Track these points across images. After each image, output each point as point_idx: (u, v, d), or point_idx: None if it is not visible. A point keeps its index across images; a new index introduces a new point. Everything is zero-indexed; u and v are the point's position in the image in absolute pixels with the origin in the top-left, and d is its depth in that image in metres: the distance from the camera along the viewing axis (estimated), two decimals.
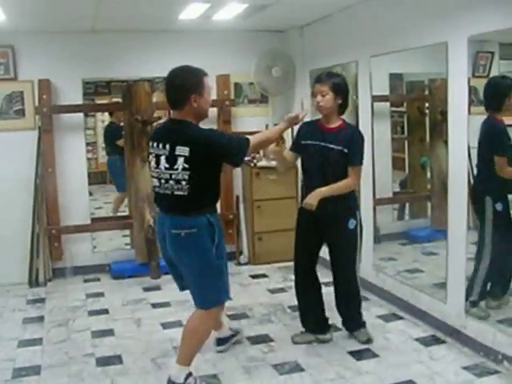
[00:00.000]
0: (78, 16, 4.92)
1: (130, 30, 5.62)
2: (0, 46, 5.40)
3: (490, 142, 3.78)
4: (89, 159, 10.51)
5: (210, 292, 3.33)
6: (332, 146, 3.67)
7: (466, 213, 3.83)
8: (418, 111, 5.71)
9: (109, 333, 4.36)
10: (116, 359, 3.88)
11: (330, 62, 5.42)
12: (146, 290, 5.36)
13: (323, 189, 3.62)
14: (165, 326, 4.45)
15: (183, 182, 3.17)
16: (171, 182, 3.20)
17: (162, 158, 3.20)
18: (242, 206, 6.12)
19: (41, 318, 4.69)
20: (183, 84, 3.18)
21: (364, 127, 4.94)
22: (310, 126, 3.86)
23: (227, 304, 4.66)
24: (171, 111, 3.36)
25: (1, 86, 5.44)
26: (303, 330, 4.08)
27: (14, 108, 5.48)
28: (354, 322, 4.06)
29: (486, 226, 3.84)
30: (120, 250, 6.11)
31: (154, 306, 4.92)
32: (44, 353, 4.02)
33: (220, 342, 3.97)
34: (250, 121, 6.08)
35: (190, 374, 3.36)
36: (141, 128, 5.37)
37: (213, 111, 5.87)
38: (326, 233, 3.88)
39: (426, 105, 5.49)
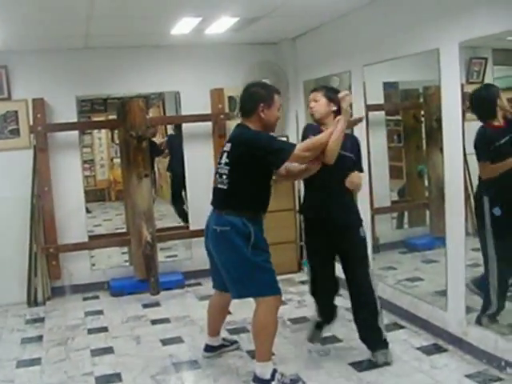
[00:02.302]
0: (70, 34, 4.93)
1: (123, 47, 5.63)
2: None
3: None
4: (87, 177, 10.63)
5: (248, 283, 3.46)
6: (347, 153, 3.72)
7: (464, 219, 3.81)
8: (414, 119, 5.71)
9: (108, 351, 4.31)
10: (115, 377, 3.84)
11: (324, 73, 5.43)
12: (146, 306, 5.32)
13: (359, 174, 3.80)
14: (164, 342, 4.41)
15: (224, 176, 3.47)
16: (217, 175, 3.54)
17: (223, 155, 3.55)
18: None
19: (40, 338, 4.65)
20: (254, 93, 3.53)
21: (358, 136, 4.92)
22: (316, 131, 3.74)
23: (228, 318, 4.68)
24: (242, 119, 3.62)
25: None
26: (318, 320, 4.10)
27: (9, 128, 5.47)
28: (373, 339, 3.85)
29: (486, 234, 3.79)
30: (119, 267, 6.07)
31: (154, 322, 4.89)
32: (43, 373, 3.98)
33: (208, 348, 4.04)
34: None
35: (275, 371, 3.53)
36: (136, 144, 5.36)
37: (207, 125, 5.89)
38: (337, 243, 3.83)
39: (422, 112, 5.48)
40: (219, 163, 3.55)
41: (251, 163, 3.41)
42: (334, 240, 3.81)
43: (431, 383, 3.49)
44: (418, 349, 3.98)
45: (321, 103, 3.73)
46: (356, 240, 3.82)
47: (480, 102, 3.81)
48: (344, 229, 3.79)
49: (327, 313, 4.07)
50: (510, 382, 3.41)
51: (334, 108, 3.70)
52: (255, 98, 3.50)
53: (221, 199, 3.53)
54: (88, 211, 9.66)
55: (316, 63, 5.65)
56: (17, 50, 5.35)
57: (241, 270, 3.46)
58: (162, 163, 9.45)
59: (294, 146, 3.46)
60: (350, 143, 3.79)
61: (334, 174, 3.67)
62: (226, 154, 3.49)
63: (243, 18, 4.79)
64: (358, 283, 3.83)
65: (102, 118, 8.55)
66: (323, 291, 3.99)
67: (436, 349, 3.98)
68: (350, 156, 3.76)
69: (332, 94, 3.72)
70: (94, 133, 10.49)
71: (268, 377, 3.48)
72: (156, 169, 9.81)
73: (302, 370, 3.77)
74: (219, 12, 4.55)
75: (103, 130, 10.13)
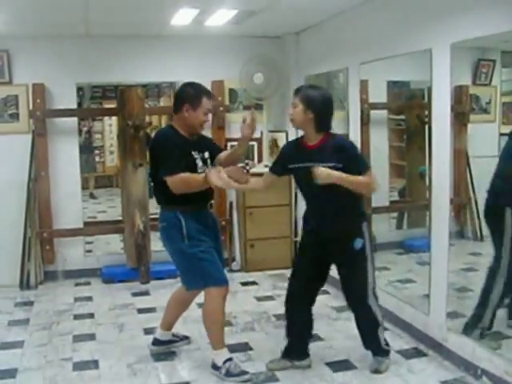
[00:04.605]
0: (70, 21, 4.94)
1: (124, 35, 5.62)
2: None
3: None
4: (96, 163, 10.70)
5: (191, 275, 3.63)
6: (322, 164, 3.30)
7: (448, 223, 3.75)
8: (417, 119, 5.63)
9: (90, 337, 4.34)
10: (93, 364, 3.87)
11: (323, 69, 5.40)
12: (135, 294, 5.34)
13: (341, 174, 3.27)
14: (147, 331, 4.40)
15: (151, 174, 3.71)
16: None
17: None
18: (234, 213, 6.08)
19: (26, 321, 4.69)
20: (183, 92, 3.62)
21: (354, 134, 4.92)
22: (295, 146, 3.59)
23: None
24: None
25: None
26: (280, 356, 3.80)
27: (9, 111, 5.52)
28: (372, 346, 3.73)
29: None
30: (112, 254, 6.08)
31: (140, 311, 4.91)
32: (23, 356, 4.01)
33: (156, 342, 4.04)
34: None
35: (228, 359, 3.64)
36: (133, 133, 5.37)
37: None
38: (331, 255, 3.60)
39: (426, 113, 5.40)
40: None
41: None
42: (326, 254, 3.58)
43: None
44: (397, 352, 3.92)
45: (298, 110, 3.38)
46: (349, 253, 3.50)
47: None
48: (334, 240, 3.49)
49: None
50: None
51: (311, 116, 3.36)
52: (182, 96, 3.58)
53: (155, 195, 3.72)
54: (94, 197, 9.83)
55: (317, 59, 5.61)
56: (19, 35, 5.36)
57: (182, 263, 3.65)
58: None
59: (174, 172, 3.39)
60: (332, 151, 3.37)
61: (318, 189, 3.33)
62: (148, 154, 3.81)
63: (241, 11, 4.75)
64: (354, 300, 3.68)
65: (113, 105, 8.57)
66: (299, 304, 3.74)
67: (416, 353, 3.93)
68: (328, 165, 3.29)
69: (310, 100, 3.35)
70: (104, 119, 10.53)
71: (220, 364, 3.62)
72: None
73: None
74: (216, 4, 4.51)
75: (114, 117, 10.16)
